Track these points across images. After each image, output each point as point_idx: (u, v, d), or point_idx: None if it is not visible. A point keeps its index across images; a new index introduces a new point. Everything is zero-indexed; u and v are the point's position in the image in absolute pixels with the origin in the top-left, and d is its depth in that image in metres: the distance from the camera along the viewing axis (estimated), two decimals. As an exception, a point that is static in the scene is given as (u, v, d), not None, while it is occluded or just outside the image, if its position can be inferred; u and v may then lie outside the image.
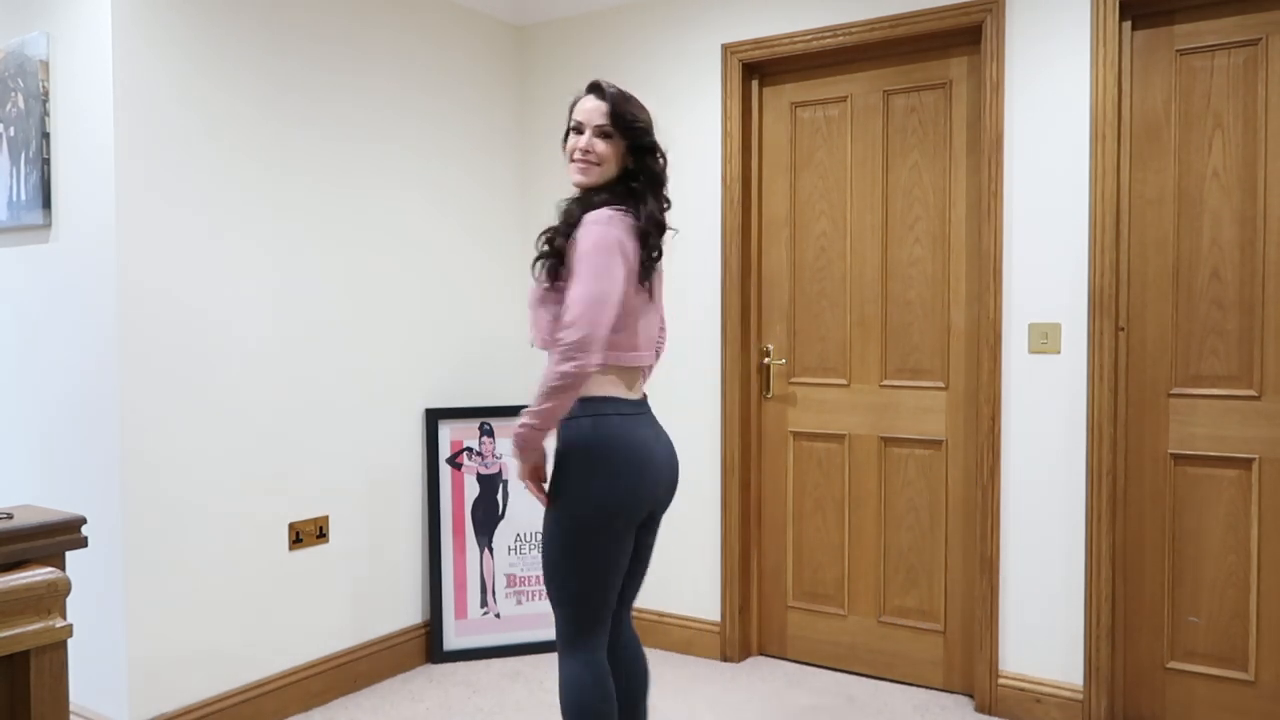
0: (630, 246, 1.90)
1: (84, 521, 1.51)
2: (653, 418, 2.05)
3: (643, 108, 2.03)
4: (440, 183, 3.46)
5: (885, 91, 3.13)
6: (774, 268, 3.37)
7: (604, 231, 1.86)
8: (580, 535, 1.91)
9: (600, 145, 1.98)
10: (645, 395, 2.07)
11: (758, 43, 3.23)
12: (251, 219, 2.81)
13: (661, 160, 2.03)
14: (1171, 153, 2.71)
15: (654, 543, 2.14)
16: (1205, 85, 2.66)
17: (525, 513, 3.49)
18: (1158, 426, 2.74)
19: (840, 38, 3.08)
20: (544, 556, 1.97)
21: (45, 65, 2.63)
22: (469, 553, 3.42)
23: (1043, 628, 2.83)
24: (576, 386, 1.82)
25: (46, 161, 2.64)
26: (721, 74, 3.31)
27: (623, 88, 2.05)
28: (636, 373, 2.02)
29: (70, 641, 2.63)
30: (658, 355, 2.13)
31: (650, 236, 1.94)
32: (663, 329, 2.15)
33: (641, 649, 2.18)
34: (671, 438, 2.12)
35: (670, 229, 2.04)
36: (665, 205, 2.03)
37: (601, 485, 1.89)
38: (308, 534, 2.98)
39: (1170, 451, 2.73)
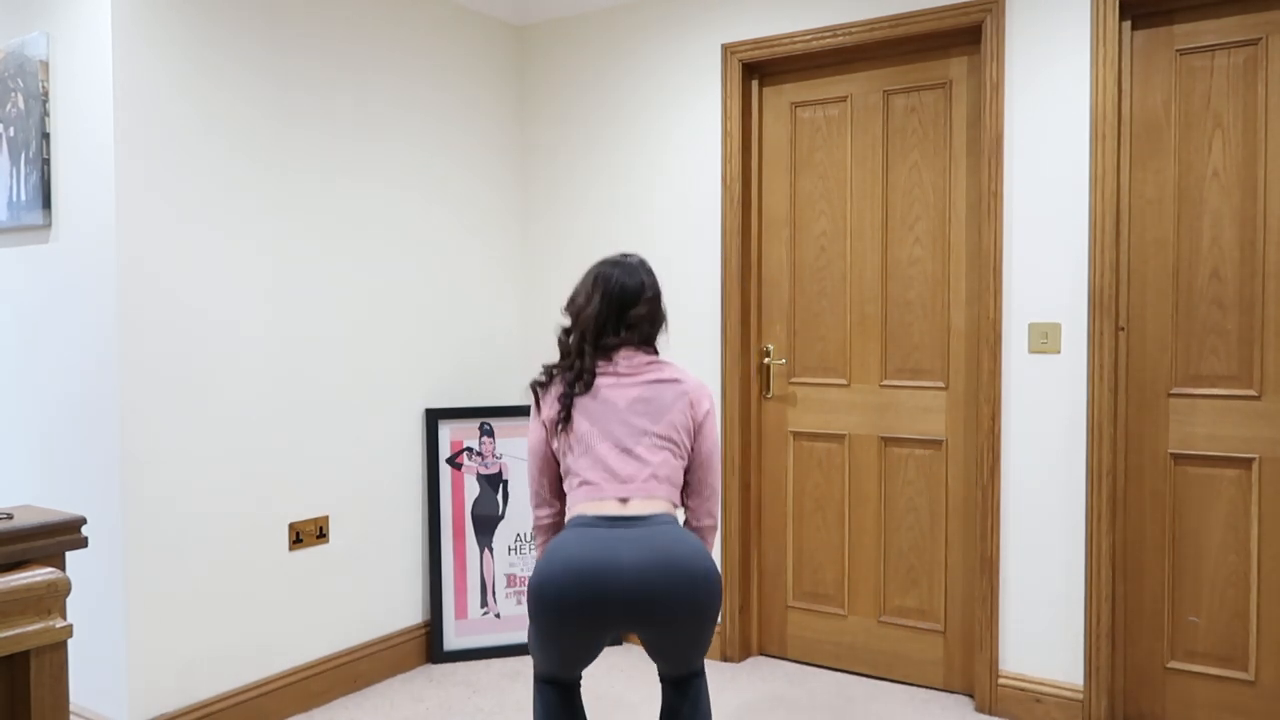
0: (543, 407, 2.07)
1: (84, 521, 1.51)
2: (630, 531, 1.89)
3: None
4: (441, 182, 3.46)
5: (885, 91, 3.13)
6: (774, 268, 3.37)
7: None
8: (527, 607, 2.05)
9: None
10: (644, 514, 1.93)
11: (758, 43, 3.23)
12: (252, 218, 2.81)
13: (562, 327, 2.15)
14: (1171, 153, 2.71)
15: (681, 653, 1.97)
16: (1205, 85, 2.66)
17: (525, 513, 3.49)
18: (1158, 426, 2.74)
19: (840, 38, 3.08)
20: None
21: (45, 65, 2.63)
22: (469, 553, 3.42)
23: (1043, 627, 2.83)
24: (539, 531, 2.15)
25: (46, 161, 2.64)
26: (721, 74, 3.31)
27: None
28: (604, 501, 1.96)
29: (70, 641, 2.63)
30: (695, 520, 2.10)
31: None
32: (696, 490, 2.08)
33: None
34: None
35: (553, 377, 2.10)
36: (569, 359, 2.08)
37: (530, 582, 1.97)
38: (308, 534, 2.98)
39: (1170, 451, 2.73)
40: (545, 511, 2.12)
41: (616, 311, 2.06)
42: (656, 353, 2.10)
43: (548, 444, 2.07)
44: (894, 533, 3.17)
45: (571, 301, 2.12)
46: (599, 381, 2.02)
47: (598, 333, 2.05)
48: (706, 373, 3.36)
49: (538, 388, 2.09)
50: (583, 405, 2.01)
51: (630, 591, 1.83)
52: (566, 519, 2.02)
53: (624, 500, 1.95)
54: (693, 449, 2.05)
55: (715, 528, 2.13)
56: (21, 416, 2.79)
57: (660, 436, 1.99)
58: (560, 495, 2.11)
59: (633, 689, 3.10)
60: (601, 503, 1.96)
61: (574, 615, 1.86)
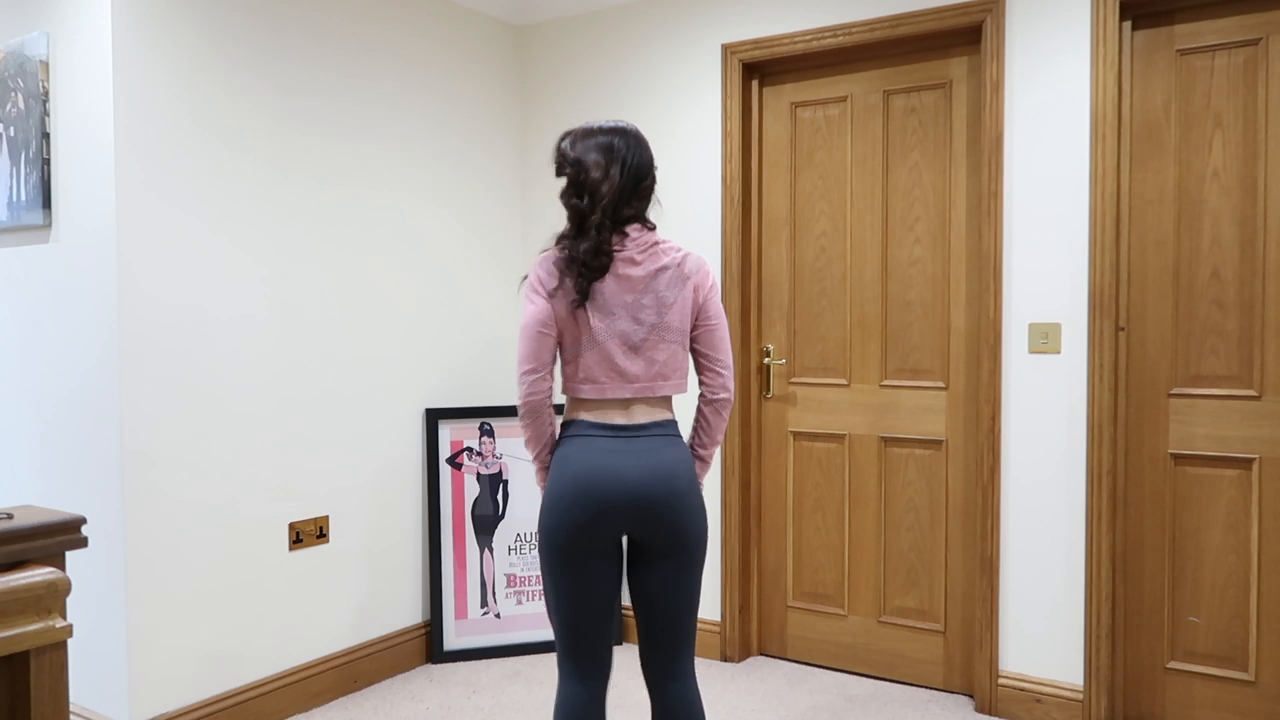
0: (551, 282, 1.96)
1: (84, 521, 1.51)
2: (632, 442, 1.96)
3: (566, 136, 2.04)
4: (440, 182, 3.46)
5: (885, 91, 3.13)
6: (774, 268, 3.37)
7: (530, 272, 2.02)
8: (540, 553, 2.01)
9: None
10: (644, 421, 1.98)
11: (758, 43, 3.23)
12: (251, 218, 2.82)
13: (565, 195, 2.02)
14: (1171, 153, 2.71)
15: (665, 590, 1.99)
16: (1205, 85, 2.66)
17: (525, 513, 3.49)
18: (1158, 426, 2.74)
19: (840, 38, 3.08)
20: None
21: (45, 65, 2.63)
22: (469, 553, 3.42)
23: (1043, 627, 2.83)
24: (528, 412, 2.00)
25: (46, 161, 2.64)
26: (721, 74, 3.31)
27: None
28: (607, 403, 1.98)
29: (70, 641, 2.63)
30: (710, 394, 2.07)
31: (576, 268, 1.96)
32: (708, 367, 2.06)
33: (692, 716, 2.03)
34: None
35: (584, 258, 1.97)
36: (589, 236, 1.94)
37: (543, 504, 1.99)
38: (308, 534, 2.98)
39: (1170, 451, 2.73)
40: (540, 387, 1.98)
41: (632, 185, 1.97)
42: (654, 228, 2.03)
43: (556, 322, 1.98)
44: (894, 533, 3.17)
45: (579, 167, 1.97)
46: (610, 266, 1.95)
47: (615, 208, 1.95)
48: (706, 373, 3.37)
49: (555, 265, 1.97)
50: (593, 295, 1.95)
51: (631, 495, 1.92)
52: (564, 418, 2.02)
53: (627, 404, 1.98)
54: (697, 325, 2.03)
55: (729, 401, 2.10)
56: (21, 416, 2.79)
57: (666, 328, 1.98)
58: (554, 368, 2.04)
59: (633, 689, 3.11)
60: (605, 410, 1.98)
61: (587, 520, 1.92)
